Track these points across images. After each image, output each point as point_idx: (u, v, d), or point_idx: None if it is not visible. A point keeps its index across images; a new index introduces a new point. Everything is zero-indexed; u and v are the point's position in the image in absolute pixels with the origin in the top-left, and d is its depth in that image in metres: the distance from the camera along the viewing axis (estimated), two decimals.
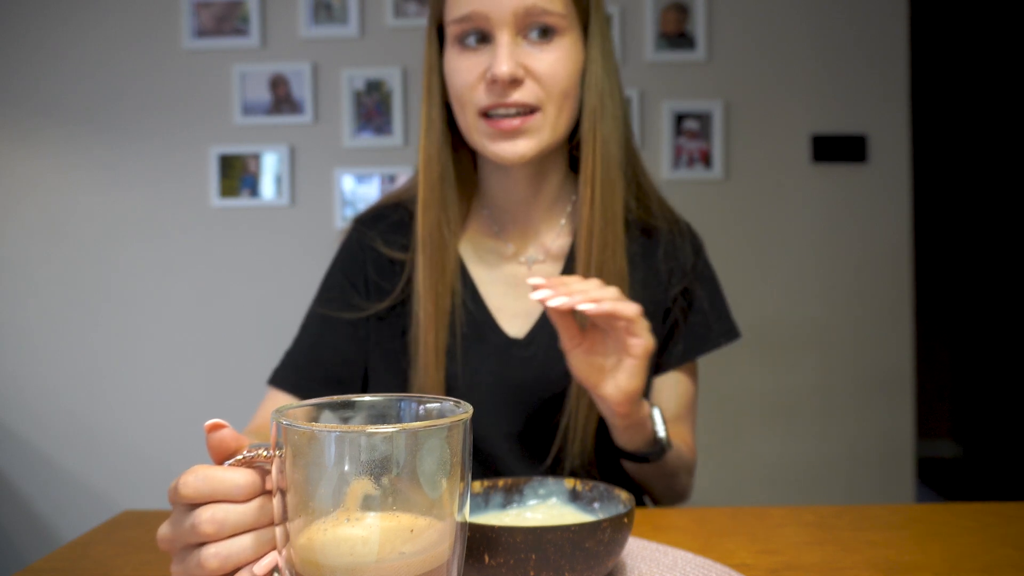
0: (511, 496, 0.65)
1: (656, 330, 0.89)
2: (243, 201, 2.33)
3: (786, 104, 2.31)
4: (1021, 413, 3.49)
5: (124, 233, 2.35)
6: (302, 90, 2.32)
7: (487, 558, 0.53)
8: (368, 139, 2.32)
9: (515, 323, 0.89)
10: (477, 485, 0.65)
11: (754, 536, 0.71)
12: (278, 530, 0.41)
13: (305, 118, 2.32)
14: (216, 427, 0.43)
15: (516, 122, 0.79)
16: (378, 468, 0.38)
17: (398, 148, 2.32)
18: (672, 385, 0.92)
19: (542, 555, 0.52)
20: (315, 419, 0.44)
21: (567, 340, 0.73)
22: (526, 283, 0.90)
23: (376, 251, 0.93)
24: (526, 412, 0.87)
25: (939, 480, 3.60)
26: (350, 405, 0.45)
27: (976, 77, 3.82)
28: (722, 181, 2.31)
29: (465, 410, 0.42)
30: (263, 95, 2.32)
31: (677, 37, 2.31)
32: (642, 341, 0.69)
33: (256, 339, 2.31)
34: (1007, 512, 0.76)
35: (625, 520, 0.55)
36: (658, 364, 0.92)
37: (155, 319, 2.34)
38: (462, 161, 0.91)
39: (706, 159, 2.30)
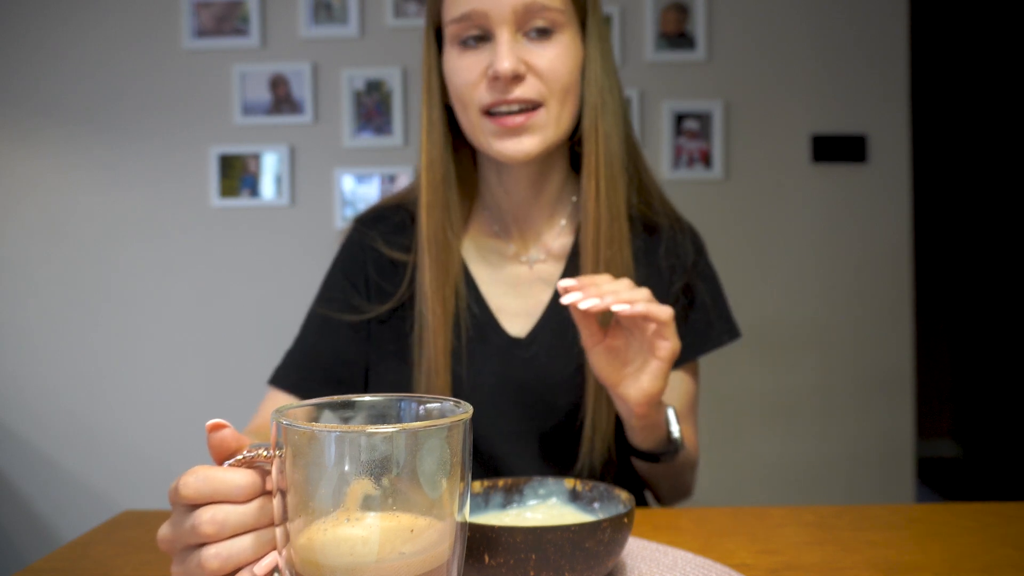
0: (511, 496, 0.65)
1: None
2: (243, 201, 2.33)
3: (786, 104, 2.31)
4: (1021, 413, 3.49)
5: (124, 233, 2.35)
6: (302, 90, 2.32)
7: (487, 558, 0.53)
8: (368, 139, 2.32)
9: (516, 323, 0.89)
10: (477, 485, 0.65)
11: (754, 536, 0.71)
12: (278, 530, 0.41)
13: (305, 118, 2.32)
14: (217, 427, 0.43)
15: (520, 119, 0.79)
16: (378, 468, 0.38)
17: (398, 148, 2.32)
18: (674, 384, 0.92)
19: (542, 555, 0.52)
20: (315, 419, 0.44)
21: (587, 338, 0.72)
22: (528, 283, 0.91)
23: (377, 251, 0.93)
24: (527, 412, 0.87)
25: (939, 480, 3.60)
26: (350, 405, 0.45)
27: (976, 77, 3.82)
28: (722, 181, 2.31)
29: (465, 410, 0.42)
30: (263, 95, 2.32)
31: (677, 37, 2.31)
32: (670, 344, 0.69)
33: (256, 339, 2.31)
34: (1007, 512, 0.76)
35: (625, 520, 0.55)
36: None
37: (155, 319, 2.34)
38: (463, 162, 0.91)
39: (706, 159, 2.30)
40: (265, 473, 0.44)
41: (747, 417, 2.31)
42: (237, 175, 2.33)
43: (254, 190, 2.33)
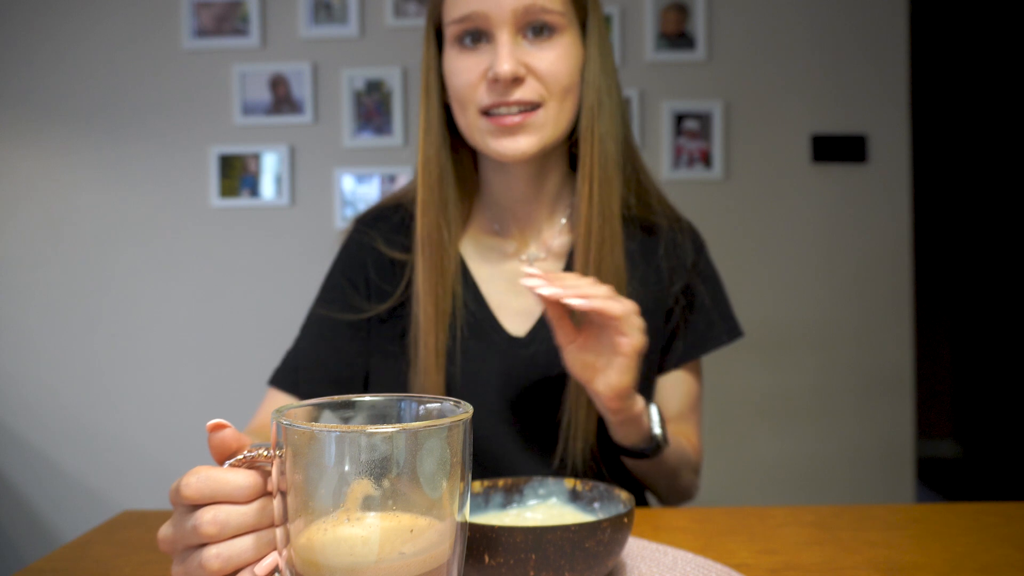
0: (511, 496, 0.65)
1: (658, 328, 0.89)
2: (243, 201, 2.33)
3: (786, 104, 2.31)
4: (1021, 413, 3.49)
5: (124, 233, 2.35)
6: (302, 90, 2.32)
7: (487, 558, 0.53)
8: (368, 139, 2.32)
9: (516, 322, 0.89)
10: (477, 485, 0.65)
11: (754, 536, 0.71)
12: (278, 531, 0.41)
13: (305, 118, 2.32)
14: (218, 427, 0.43)
15: (518, 118, 0.79)
16: (378, 468, 0.38)
17: (398, 148, 2.32)
18: (675, 384, 0.92)
19: (542, 555, 0.52)
20: (315, 419, 0.44)
21: (562, 336, 0.74)
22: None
23: (377, 251, 0.93)
24: (527, 410, 0.87)
25: (939, 480, 3.60)
26: (350, 405, 0.45)
27: (976, 77, 3.82)
28: (722, 181, 2.31)
29: (465, 410, 0.42)
30: (263, 95, 2.32)
31: (677, 37, 2.31)
32: (630, 340, 0.70)
33: (256, 339, 2.31)
34: (1007, 512, 0.76)
35: (625, 520, 0.55)
36: (661, 363, 0.92)
37: (155, 319, 2.34)
38: (462, 161, 0.91)
39: (706, 159, 2.30)
40: (266, 474, 0.44)
41: (747, 417, 2.31)
42: (237, 175, 2.33)
43: (254, 190, 2.33)
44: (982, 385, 3.83)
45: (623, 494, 0.60)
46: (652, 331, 0.81)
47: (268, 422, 0.84)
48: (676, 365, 0.92)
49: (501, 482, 0.66)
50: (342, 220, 2.32)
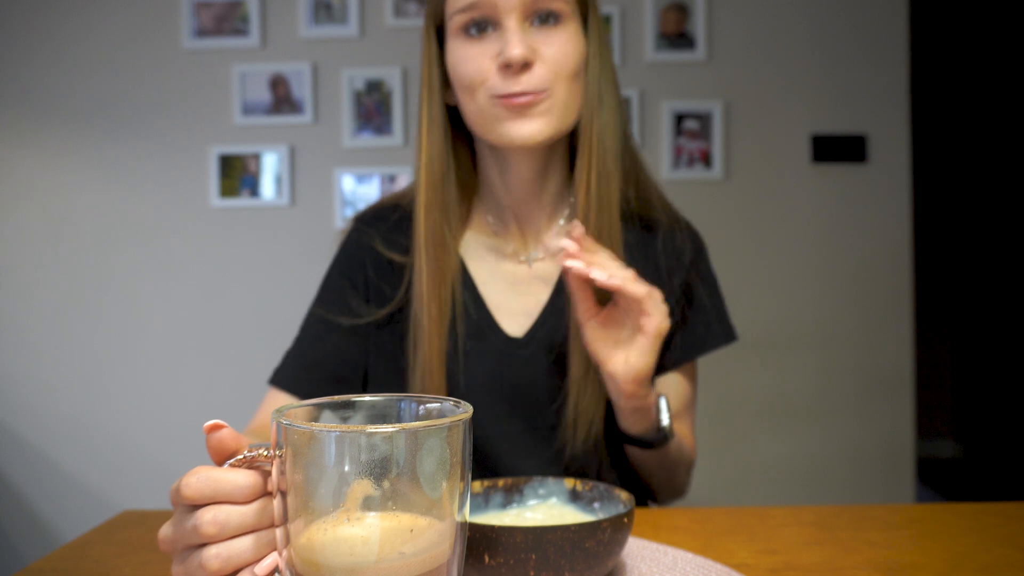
0: (511, 496, 0.65)
1: None
2: (243, 201, 2.33)
3: (786, 104, 2.31)
4: (1021, 413, 3.49)
5: (124, 233, 2.35)
6: (302, 90, 2.32)
7: (487, 558, 0.53)
8: (368, 139, 2.32)
9: (515, 322, 0.89)
10: (477, 485, 0.65)
11: (754, 536, 0.71)
12: (278, 531, 0.41)
13: (305, 118, 2.32)
14: (215, 427, 0.43)
15: (529, 97, 0.79)
16: (378, 468, 0.38)
17: (398, 148, 2.32)
18: (671, 386, 0.92)
19: (542, 555, 0.52)
20: (315, 419, 0.44)
21: (583, 312, 0.76)
22: (527, 282, 0.91)
23: (376, 251, 0.93)
24: (525, 411, 0.87)
25: (939, 480, 3.60)
26: (350, 405, 0.45)
27: (976, 77, 3.82)
28: (722, 181, 2.31)
29: (465, 410, 0.42)
30: (263, 95, 2.32)
31: (677, 37, 2.31)
32: (654, 320, 0.72)
33: (256, 339, 2.31)
34: (1007, 512, 0.76)
35: (625, 520, 0.55)
36: (660, 365, 0.92)
37: (155, 319, 2.34)
38: (462, 161, 0.91)
39: (706, 159, 2.30)
40: (266, 474, 0.44)
41: (747, 417, 2.31)
42: (237, 175, 2.33)
43: (254, 190, 2.33)
44: (982, 385, 3.83)
45: (623, 494, 0.60)
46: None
47: (268, 422, 0.84)
48: (673, 366, 0.92)
49: (501, 482, 0.66)
50: (342, 220, 2.32)
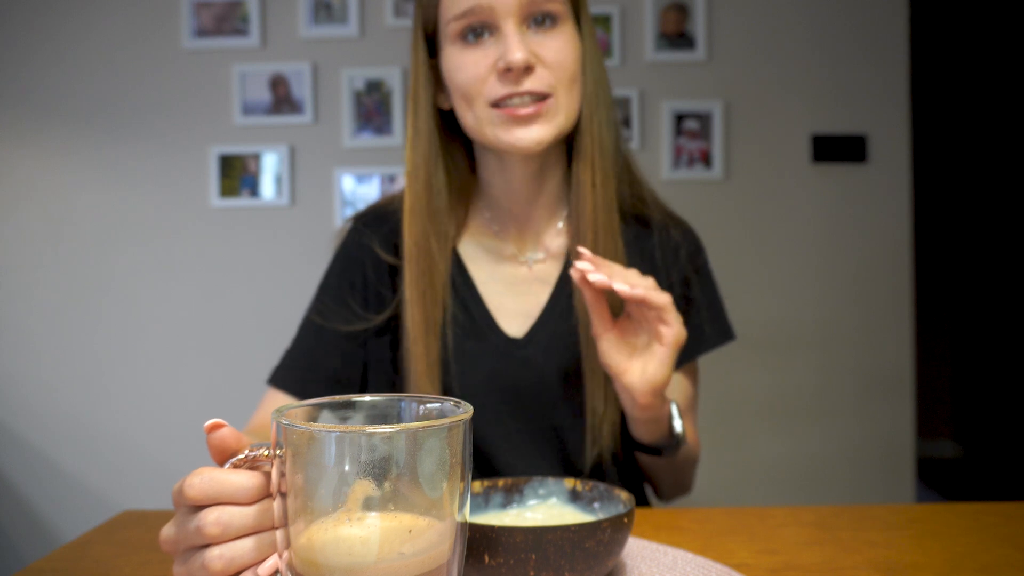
0: (511, 496, 0.65)
1: None
2: (243, 201, 2.33)
3: (786, 104, 2.31)
4: (1021, 413, 3.49)
5: (124, 233, 2.35)
6: (302, 90, 2.32)
7: (487, 558, 0.53)
8: (368, 139, 2.32)
9: (514, 323, 0.89)
10: (477, 485, 0.65)
11: (754, 536, 0.71)
12: (279, 532, 0.41)
13: (305, 118, 2.32)
14: (216, 427, 0.43)
15: (532, 108, 0.79)
16: (378, 468, 0.38)
17: (398, 148, 2.32)
18: (674, 386, 0.92)
19: (542, 555, 0.52)
20: (315, 419, 0.44)
21: (598, 324, 0.74)
22: (526, 283, 0.91)
23: (374, 253, 0.93)
24: (524, 411, 0.87)
25: (939, 480, 3.60)
26: (350, 405, 0.45)
27: (976, 77, 3.82)
28: (722, 181, 2.31)
29: (465, 410, 0.42)
30: (263, 95, 2.32)
31: (677, 37, 2.31)
32: (673, 330, 0.71)
33: (256, 339, 2.31)
34: (1007, 512, 0.76)
35: (625, 520, 0.55)
36: None
37: (155, 319, 2.34)
38: (458, 163, 0.91)
39: (706, 159, 2.30)
40: (268, 475, 0.44)
41: (747, 417, 2.31)
42: (237, 175, 2.33)
43: (254, 190, 2.33)
44: (982, 385, 3.83)
45: (623, 494, 0.60)
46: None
47: (267, 421, 0.84)
48: (675, 367, 0.92)
49: (501, 482, 0.66)
50: (342, 220, 2.31)
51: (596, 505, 0.63)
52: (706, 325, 0.92)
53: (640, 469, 0.92)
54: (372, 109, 2.32)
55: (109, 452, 2.34)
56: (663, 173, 2.30)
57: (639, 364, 0.73)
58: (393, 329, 0.90)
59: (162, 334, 2.34)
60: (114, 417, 2.35)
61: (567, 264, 0.90)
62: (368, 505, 0.38)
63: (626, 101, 2.29)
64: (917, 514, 0.77)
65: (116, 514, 0.83)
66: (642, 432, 0.80)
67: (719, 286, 0.97)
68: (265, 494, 0.44)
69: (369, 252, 0.93)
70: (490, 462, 0.87)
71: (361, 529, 0.38)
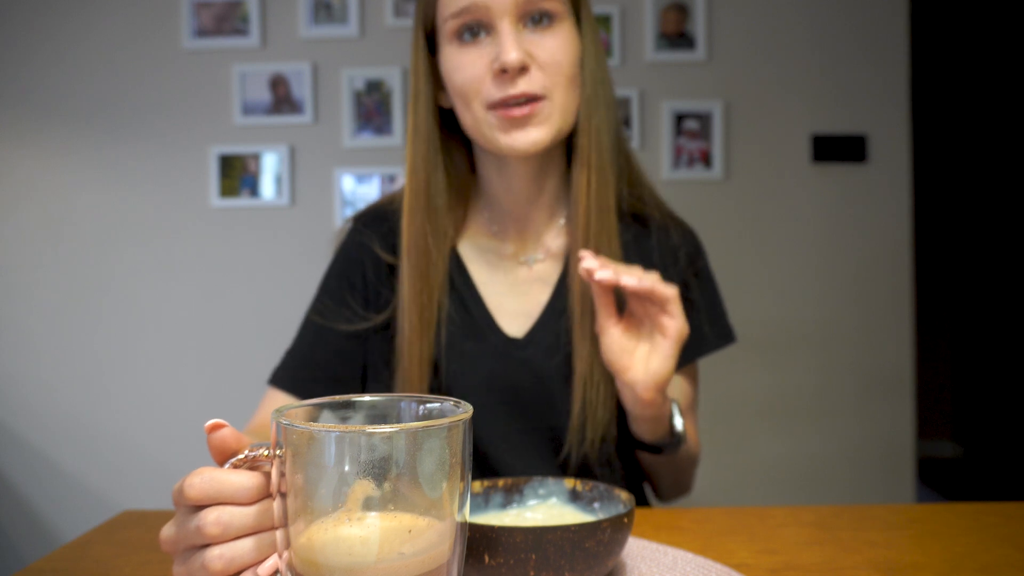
0: (511, 496, 0.65)
1: None
2: (243, 201, 2.33)
3: (786, 104, 2.31)
4: (1021, 413, 3.49)
5: (124, 233, 2.35)
6: (302, 90, 2.32)
7: (487, 558, 0.53)
8: (368, 139, 2.32)
9: (514, 323, 0.89)
10: (477, 485, 0.65)
11: (754, 536, 0.71)
12: (279, 532, 0.41)
13: (305, 118, 2.32)
14: (216, 427, 0.43)
15: (526, 108, 0.79)
16: (378, 468, 0.38)
17: (398, 148, 2.32)
18: (674, 387, 0.92)
19: (542, 555, 0.52)
20: (315, 419, 0.44)
21: (604, 319, 0.75)
22: (527, 283, 0.91)
23: (374, 253, 0.93)
24: (524, 412, 0.87)
25: (939, 480, 3.60)
26: (350, 405, 0.45)
27: (976, 77, 3.82)
28: (722, 181, 2.31)
29: (465, 410, 0.42)
30: (263, 95, 2.32)
31: (677, 37, 2.31)
32: (676, 322, 0.71)
33: (256, 339, 2.31)
34: (1007, 512, 0.76)
35: (625, 520, 0.55)
36: None
37: (155, 319, 2.34)
38: (457, 162, 0.91)
39: (706, 159, 2.30)
40: (268, 475, 0.44)
41: (747, 417, 2.31)
42: (237, 175, 2.33)
43: (254, 190, 2.33)
44: (982, 385, 3.83)
45: (623, 494, 0.60)
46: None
47: (267, 421, 0.84)
48: (676, 368, 0.91)
49: (501, 482, 0.66)
50: (342, 220, 2.31)
51: (596, 505, 0.63)
52: (706, 327, 0.92)
53: (639, 469, 0.92)
54: (372, 109, 2.32)
55: (109, 452, 2.34)
56: (663, 173, 2.30)
57: (642, 359, 0.74)
58: (393, 327, 0.90)
59: (162, 334, 2.34)
60: (114, 417, 2.35)
61: (567, 264, 0.90)
62: (368, 505, 0.38)
63: (626, 101, 2.29)
64: (917, 514, 0.77)
65: (116, 514, 0.83)
66: (644, 430, 0.80)
67: (719, 287, 0.97)
68: (265, 494, 0.44)
69: (369, 252, 0.93)
70: (489, 462, 0.87)
71: (361, 529, 0.38)
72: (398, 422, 0.45)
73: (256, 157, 2.33)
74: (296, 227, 2.34)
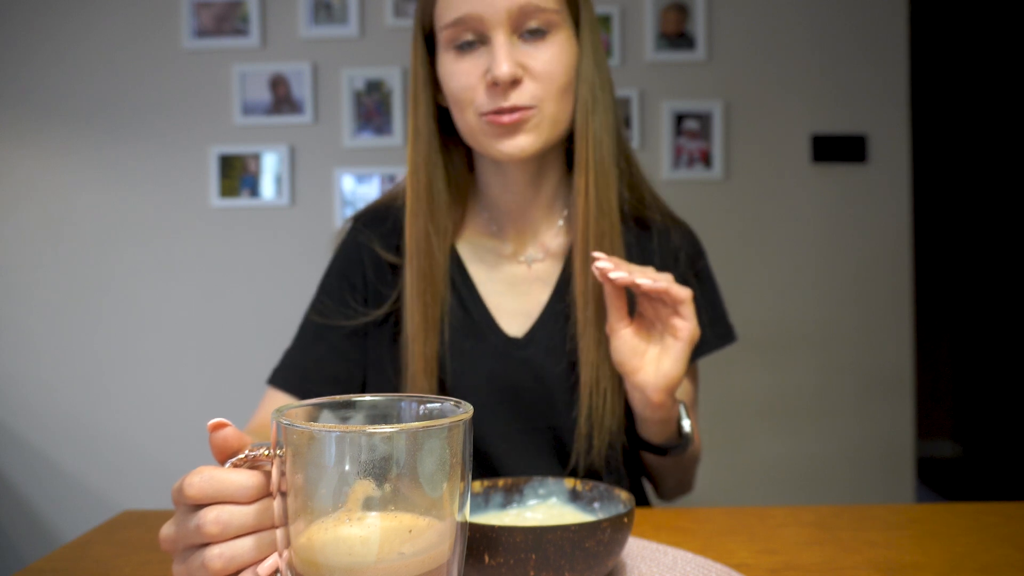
0: (511, 496, 0.65)
1: None
2: (243, 201, 2.33)
3: (786, 104, 2.31)
4: (1021, 413, 3.49)
5: (124, 233, 2.35)
6: (302, 90, 2.32)
7: (487, 558, 0.53)
8: (368, 139, 2.32)
9: (514, 323, 0.89)
10: (477, 485, 0.65)
11: (754, 536, 0.71)
12: (279, 532, 0.41)
13: (305, 118, 2.32)
14: (219, 426, 0.43)
15: (515, 116, 0.79)
16: (378, 468, 0.38)
17: (398, 148, 2.32)
18: None
19: (542, 555, 0.52)
20: (315, 419, 0.44)
21: (616, 320, 0.74)
22: (526, 283, 0.91)
23: (374, 252, 0.93)
24: (524, 411, 0.87)
25: (939, 480, 3.60)
26: (350, 405, 0.45)
27: (976, 77, 3.82)
28: (722, 181, 2.31)
29: (465, 410, 0.42)
30: (263, 95, 2.32)
31: (677, 37, 2.31)
32: (689, 324, 0.71)
33: (256, 339, 2.31)
34: (1007, 512, 0.76)
35: (625, 520, 0.55)
36: None
37: (155, 319, 2.34)
38: (456, 163, 0.91)
39: (706, 159, 2.30)
40: (268, 474, 0.44)
41: (747, 417, 2.31)
42: (237, 175, 2.33)
43: (254, 190, 2.33)
44: (982, 385, 3.83)
45: (623, 494, 0.60)
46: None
47: (267, 421, 0.84)
48: None
49: (501, 482, 0.66)
50: (342, 220, 2.31)
51: (596, 505, 0.63)
52: (707, 327, 0.92)
53: (640, 469, 0.92)
54: (372, 109, 2.32)
55: (109, 452, 2.34)
56: (663, 173, 2.30)
57: (652, 361, 0.74)
58: (392, 325, 0.90)
59: (162, 334, 2.34)
60: (114, 417, 2.35)
61: (567, 264, 0.90)
62: (368, 505, 0.38)
63: (626, 101, 2.29)
64: (917, 514, 0.77)
65: (116, 514, 0.83)
66: (652, 432, 0.80)
67: (720, 287, 0.97)
68: (265, 493, 0.44)
69: (369, 252, 0.93)
70: (490, 462, 0.87)
71: (361, 529, 0.38)
72: (398, 422, 0.45)
73: (256, 157, 2.33)
74: (296, 227, 2.34)
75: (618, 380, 0.83)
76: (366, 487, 0.38)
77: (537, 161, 0.87)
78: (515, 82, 0.78)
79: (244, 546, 0.43)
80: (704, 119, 2.30)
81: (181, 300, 2.34)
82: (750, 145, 2.31)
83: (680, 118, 2.30)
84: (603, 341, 0.82)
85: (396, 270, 0.91)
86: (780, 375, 2.31)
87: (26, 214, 2.35)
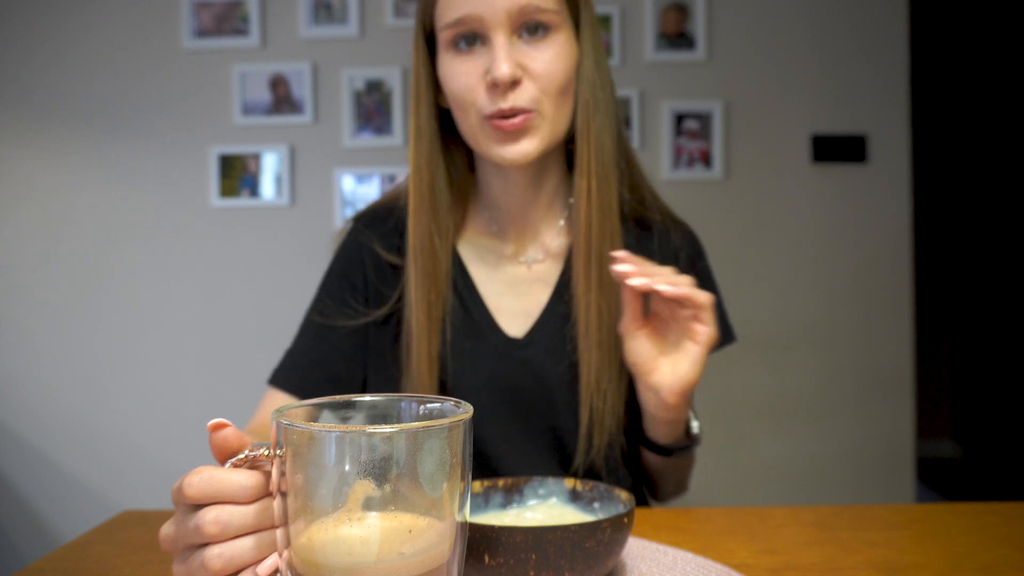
0: (511, 496, 0.65)
1: None
2: (243, 201, 2.33)
3: (786, 104, 2.31)
4: (1021, 413, 3.49)
5: (124, 233, 2.35)
6: (302, 90, 2.32)
7: (487, 558, 0.53)
8: (368, 139, 2.32)
9: (515, 323, 0.89)
10: (477, 485, 0.65)
11: (754, 536, 0.71)
12: (279, 532, 0.41)
13: (305, 118, 2.32)
14: (219, 426, 0.43)
15: (517, 120, 0.79)
16: (378, 468, 0.38)
17: (398, 148, 2.32)
18: None
19: (542, 555, 0.52)
20: (315, 419, 0.44)
21: (631, 322, 0.74)
22: (526, 283, 0.91)
23: (374, 252, 0.93)
24: (525, 411, 0.87)
25: (939, 480, 3.60)
26: (350, 405, 0.45)
27: (976, 77, 3.82)
28: (722, 181, 2.31)
29: (465, 410, 0.42)
30: (263, 95, 2.32)
31: (677, 37, 2.31)
32: (708, 329, 0.71)
33: (256, 339, 2.31)
34: (1007, 512, 0.76)
35: (625, 520, 0.55)
36: None
37: (155, 319, 2.34)
38: (458, 163, 0.91)
39: (706, 159, 2.30)
40: (268, 474, 0.44)
41: (747, 417, 2.31)
42: (237, 175, 2.33)
43: (254, 190, 2.33)
44: (982, 385, 3.83)
45: (623, 494, 0.60)
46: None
47: (267, 421, 0.84)
48: None
49: (501, 482, 0.66)
50: (342, 220, 2.32)
51: (596, 505, 0.63)
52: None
53: (639, 470, 0.92)
54: (372, 109, 2.32)
55: (109, 452, 2.34)
56: (663, 173, 2.30)
57: (669, 363, 0.73)
58: (394, 325, 0.90)
59: (162, 334, 2.34)
60: (114, 417, 2.35)
61: (568, 265, 0.90)
62: (368, 505, 0.38)
63: (626, 101, 2.29)
64: (917, 514, 0.77)
65: (116, 514, 0.83)
66: (660, 433, 0.80)
67: (720, 287, 0.97)
68: (264, 493, 0.44)
69: (370, 252, 0.93)
70: (490, 462, 0.87)
71: (361, 529, 0.38)
72: (398, 422, 0.45)
73: (256, 157, 2.33)
74: (296, 227, 2.34)
75: (618, 381, 0.83)
76: (366, 487, 0.38)
77: (538, 162, 0.87)
78: (515, 83, 0.78)
79: (244, 546, 0.43)
80: (704, 119, 2.30)
81: (181, 300, 2.34)
82: (750, 145, 2.31)
83: (680, 118, 2.30)
84: (603, 342, 0.82)
85: (397, 270, 0.91)
86: (780, 375, 2.31)
87: (26, 214, 2.35)
